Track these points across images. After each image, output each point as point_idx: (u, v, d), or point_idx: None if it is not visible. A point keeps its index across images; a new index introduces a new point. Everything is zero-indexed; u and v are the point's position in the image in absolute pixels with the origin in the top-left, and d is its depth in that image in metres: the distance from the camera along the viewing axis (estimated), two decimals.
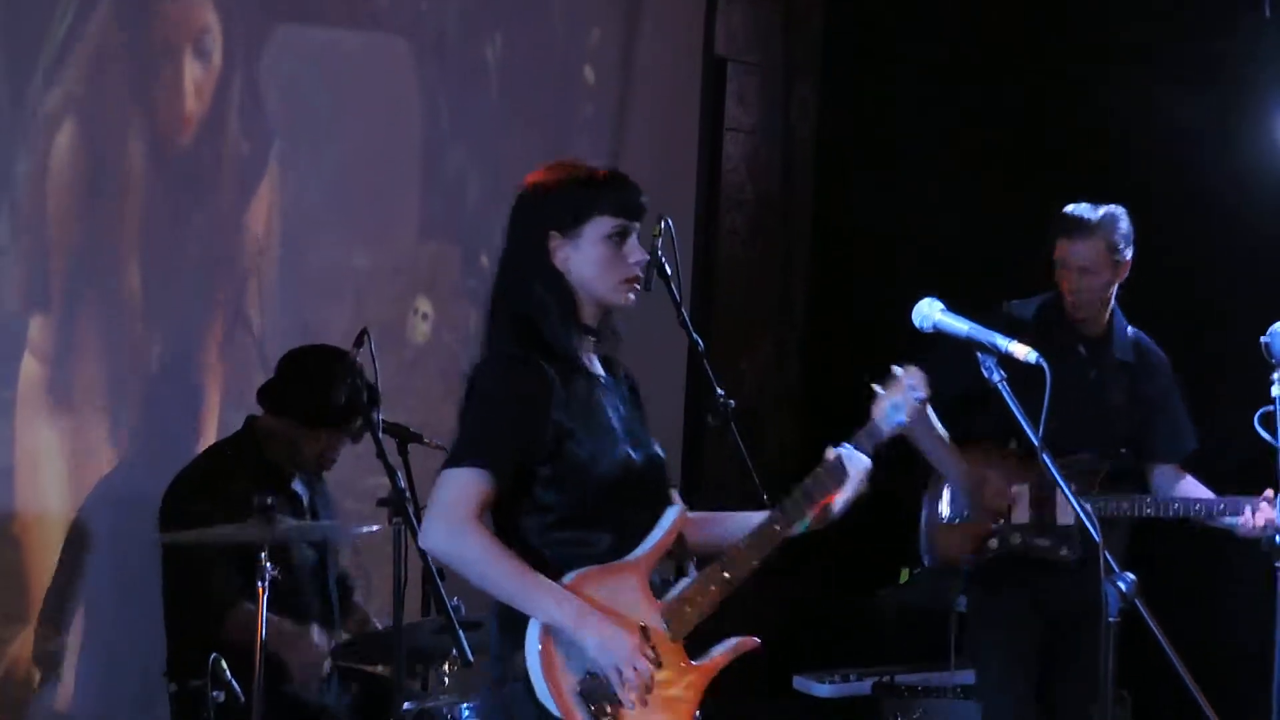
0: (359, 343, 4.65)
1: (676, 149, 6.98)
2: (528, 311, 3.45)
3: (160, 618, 5.12)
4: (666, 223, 4.50)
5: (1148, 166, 6.43)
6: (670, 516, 3.50)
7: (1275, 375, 4.05)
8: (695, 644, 3.53)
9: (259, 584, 4.48)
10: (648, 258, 3.53)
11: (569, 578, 3.38)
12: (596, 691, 3.36)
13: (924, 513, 5.25)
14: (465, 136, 6.33)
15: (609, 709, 3.36)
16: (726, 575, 3.52)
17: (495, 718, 3.46)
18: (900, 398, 3.64)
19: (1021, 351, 3.48)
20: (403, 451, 4.96)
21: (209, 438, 5.48)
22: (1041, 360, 3.46)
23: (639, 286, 3.52)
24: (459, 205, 6.34)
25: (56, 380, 5.29)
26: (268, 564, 4.48)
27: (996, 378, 3.51)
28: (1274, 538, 4.07)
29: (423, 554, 4.13)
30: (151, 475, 5.23)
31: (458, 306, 6.25)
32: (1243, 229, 6.22)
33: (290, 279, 5.85)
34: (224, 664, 4.54)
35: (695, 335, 4.50)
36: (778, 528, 3.56)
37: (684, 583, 3.52)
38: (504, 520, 3.44)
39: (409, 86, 6.19)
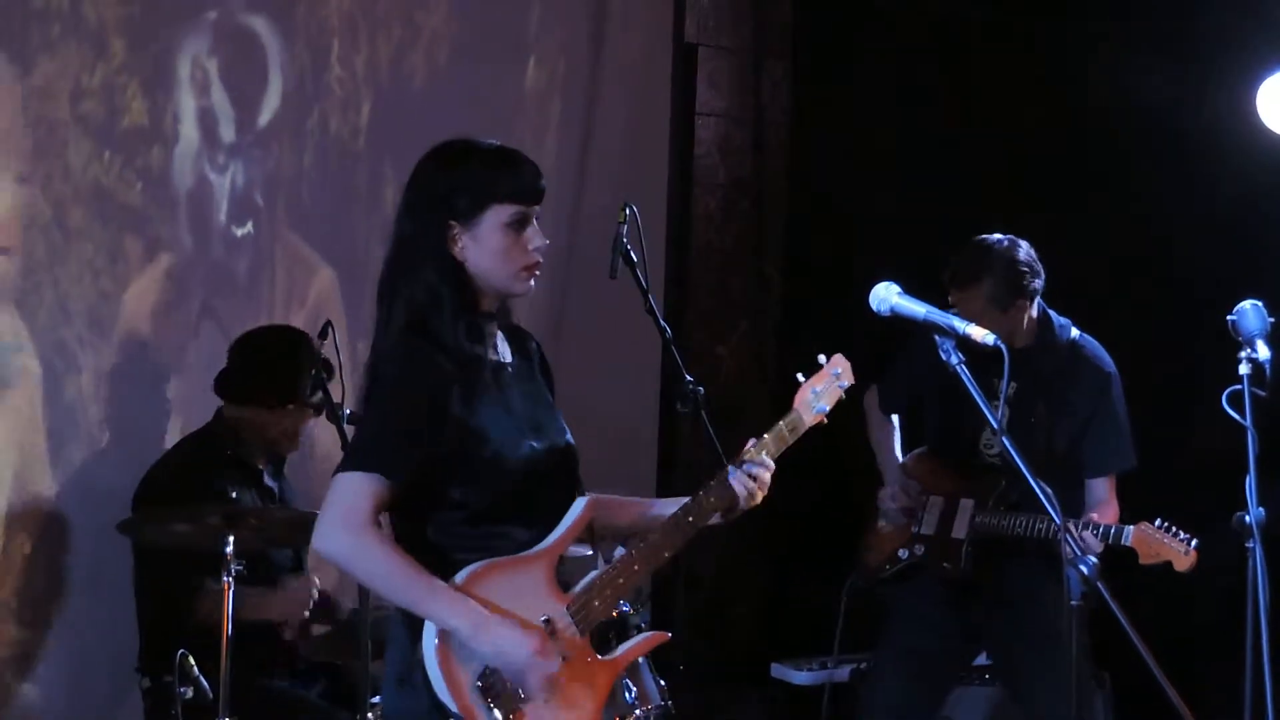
0: (323, 334, 4.69)
1: (648, 134, 6.95)
2: (421, 302, 3.38)
3: (131, 612, 5.11)
4: (631, 209, 4.47)
5: (1124, 144, 6.41)
6: (577, 508, 3.46)
7: (1243, 353, 4.00)
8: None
9: (225, 578, 4.48)
10: (547, 243, 3.48)
11: (466, 573, 3.32)
12: (496, 686, 3.30)
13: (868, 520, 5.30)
14: (428, 127, 6.28)
15: (510, 704, 3.30)
16: (637, 568, 3.48)
17: (400, 715, 3.41)
18: (823, 385, 3.66)
19: (979, 334, 3.46)
20: None
21: (178, 431, 5.45)
22: (1000, 343, 3.43)
23: (538, 273, 3.47)
24: None
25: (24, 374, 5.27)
26: (232, 559, 4.48)
27: (955, 360, 3.47)
28: (1243, 517, 4.04)
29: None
30: (121, 469, 5.22)
31: None
32: (1217, 203, 6.19)
33: (257, 269, 5.82)
34: (191, 660, 4.53)
35: (662, 322, 4.46)
36: (691, 519, 3.52)
37: (592, 575, 3.47)
38: (410, 517, 3.39)
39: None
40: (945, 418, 5.12)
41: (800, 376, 3.69)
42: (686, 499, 3.57)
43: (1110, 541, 4.78)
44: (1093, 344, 5.08)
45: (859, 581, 5.28)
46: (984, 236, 5.01)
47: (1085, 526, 4.76)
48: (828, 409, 3.67)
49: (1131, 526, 4.77)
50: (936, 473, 5.17)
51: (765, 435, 3.64)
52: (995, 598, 5.07)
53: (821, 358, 3.70)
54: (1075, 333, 5.07)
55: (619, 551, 3.56)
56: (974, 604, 5.10)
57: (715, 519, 3.60)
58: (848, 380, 3.69)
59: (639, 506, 3.66)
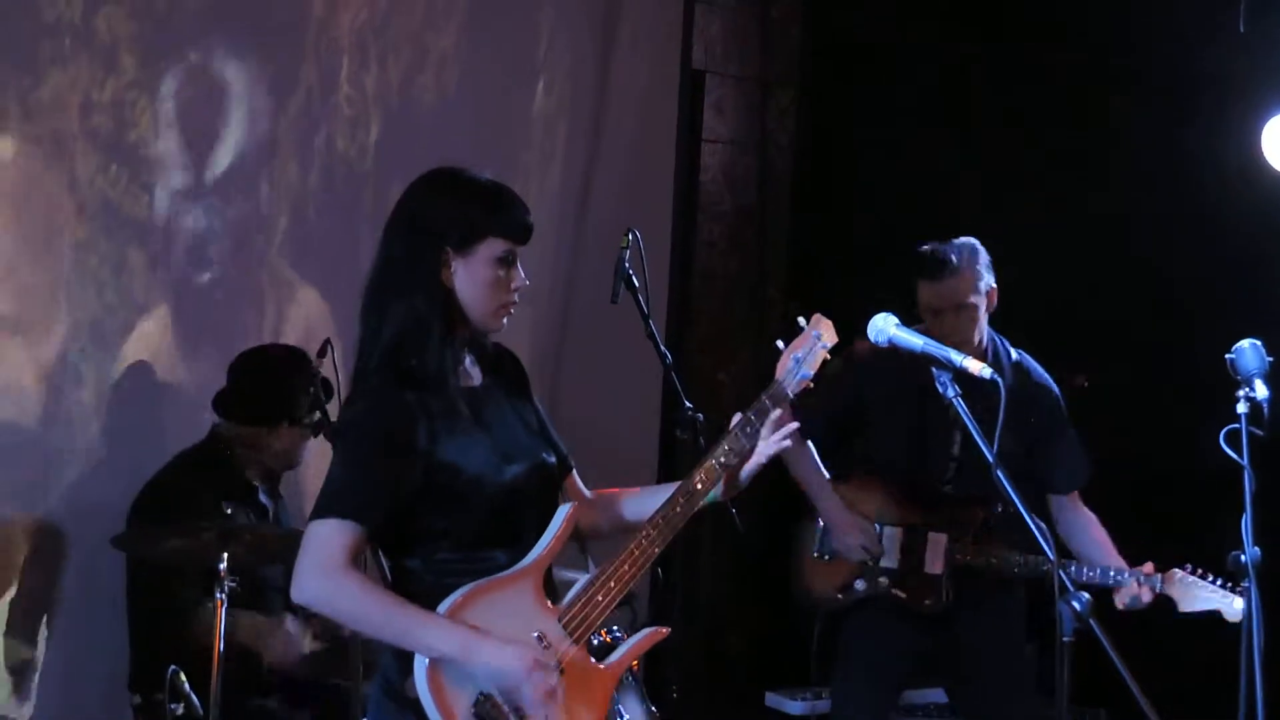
0: (322, 353, 4.68)
1: (653, 160, 6.96)
2: (405, 327, 3.37)
3: (124, 628, 5.10)
4: (634, 235, 4.50)
5: (1127, 181, 6.41)
6: (558, 519, 3.43)
7: (1240, 393, 3.99)
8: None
9: (218, 595, 4.48)
10: (528, 284, 3.46)
11: (453, 599, 3.31)
12: (491, 712, 3.28)
13: (796, 546, 5.20)
14: (437, 148, 6.29)
15: None
16: (627, 568, 3.45)
17: None
18: (803, 351, 3.53)
19: (976, 367, 3.46)
20: None
21: (173, 446, 5.43)
22: (996, 376, 3.43)
23: (512, 313, 3.45)
24: None
25: (19, 387, 5.26)
26: (226, 576, 4.47)
27: (951, 393, 3.47)
28: (1239, 557, 4.02)
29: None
30: (116, 484, 5.21)
31: None
32: (1224, 242, 6.19)
33: (251, 284, 5.83)
34: (182, 676, 4.52)
35: (662, 348, 4.48)
36: (679, 509, 3.46)
37: (581, 583, 3.44)
38: (396, 551, 3.40)
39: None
40: (901, 446, 5.04)
41: (780, 344, 3.56)
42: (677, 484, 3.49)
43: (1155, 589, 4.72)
44: (1032, 361, 5.05)
45: (805, 606, 5.20)
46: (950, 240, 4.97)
47: (1134, 576, 4.70)
48: (811, 374, 3.51)
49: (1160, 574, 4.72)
50: (888, 501, 5.07)
51: (749, 411, 3.50)
52: (964, 630, 5.02)
53: (801, 320, 3.55)
54: (1014, 353, 5.04)
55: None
56: (938, 632, 5.03)
57: (714, 495, 3.49)
58: (830, 340, 3.53)
59: (630, 497, 3.61)
